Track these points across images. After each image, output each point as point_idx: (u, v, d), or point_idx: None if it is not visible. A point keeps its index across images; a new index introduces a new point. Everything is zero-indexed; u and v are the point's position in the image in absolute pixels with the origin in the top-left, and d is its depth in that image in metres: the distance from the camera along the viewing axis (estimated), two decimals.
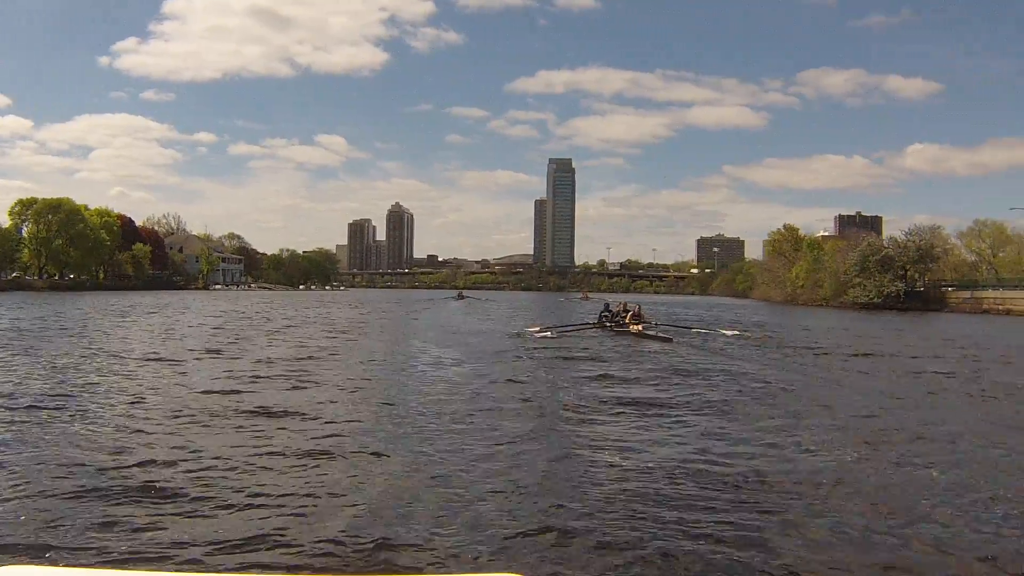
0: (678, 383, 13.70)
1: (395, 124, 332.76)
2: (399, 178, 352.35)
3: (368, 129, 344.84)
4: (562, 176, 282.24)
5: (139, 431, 8.54)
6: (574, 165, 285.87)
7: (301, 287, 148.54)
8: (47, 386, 11.80)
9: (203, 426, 8.99)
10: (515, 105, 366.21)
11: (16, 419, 9.01)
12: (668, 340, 22.40)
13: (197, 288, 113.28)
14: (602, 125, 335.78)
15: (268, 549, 5.00)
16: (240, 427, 8.99)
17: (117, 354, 17.07)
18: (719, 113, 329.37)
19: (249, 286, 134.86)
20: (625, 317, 26.04)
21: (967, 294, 65.34)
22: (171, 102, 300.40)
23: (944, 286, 70.84)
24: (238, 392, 11.59)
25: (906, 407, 11.67)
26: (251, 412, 9.86)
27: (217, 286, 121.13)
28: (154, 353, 17.48)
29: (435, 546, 5.09)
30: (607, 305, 28.95)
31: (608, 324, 26.52)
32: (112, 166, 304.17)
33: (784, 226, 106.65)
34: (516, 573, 2.36)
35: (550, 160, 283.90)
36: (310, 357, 17.33)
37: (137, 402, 10.57)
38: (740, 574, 4.82)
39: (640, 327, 24.76)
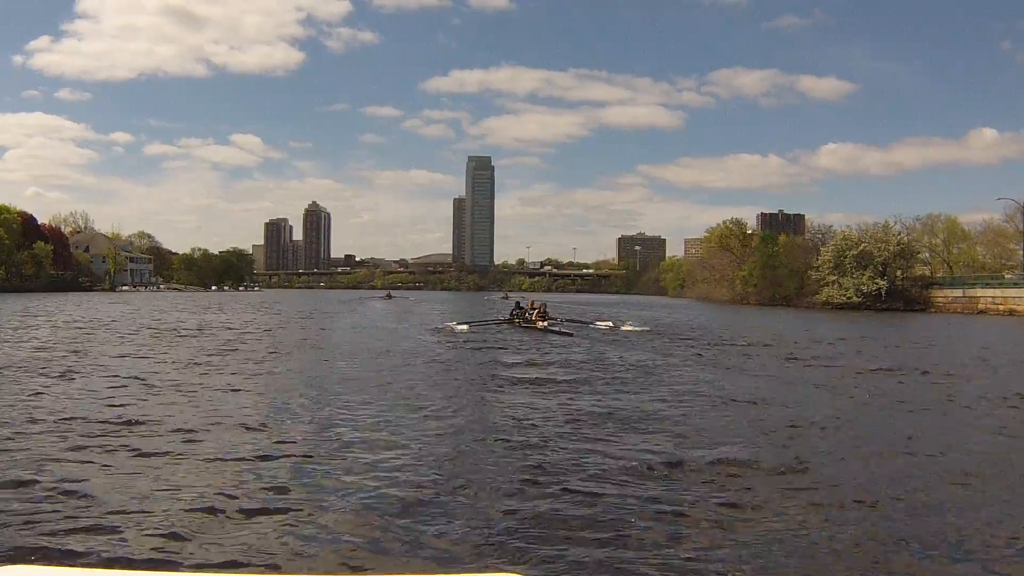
0: (580, 370, 15.58)
1: (310, 124, 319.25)
2: (314, 178, 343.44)
3: (283, 129, 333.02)
4: (481, 174, 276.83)
5: None
6: (492, 163, 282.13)
7: (213, 288, 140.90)
8: None
9: None
10: (429, 104, 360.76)
11: None
12: (569, 335, 25.18)
13: (103, 289, 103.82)
14: (516, 124, 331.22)
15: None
16: None
17: None
18: (633, 112, 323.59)
19: (159, 287, 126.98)
20: (533, 315, 28.42)
21: (958, 292, 61.20)
22: (86, 102, 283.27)
23: (928, 284, 66.55)
24: None
25: None
26: None
27: (125, 287, 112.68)
28: None
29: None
30: (518, 303, 31.62)
31: (517, 320, 28.94)
32: (27, 166, 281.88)
33: (732, 220, 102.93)
34: (516, 573, 2.29)
35: (469, 158, 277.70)
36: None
37: None
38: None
39: (545, 323, 27.52)
